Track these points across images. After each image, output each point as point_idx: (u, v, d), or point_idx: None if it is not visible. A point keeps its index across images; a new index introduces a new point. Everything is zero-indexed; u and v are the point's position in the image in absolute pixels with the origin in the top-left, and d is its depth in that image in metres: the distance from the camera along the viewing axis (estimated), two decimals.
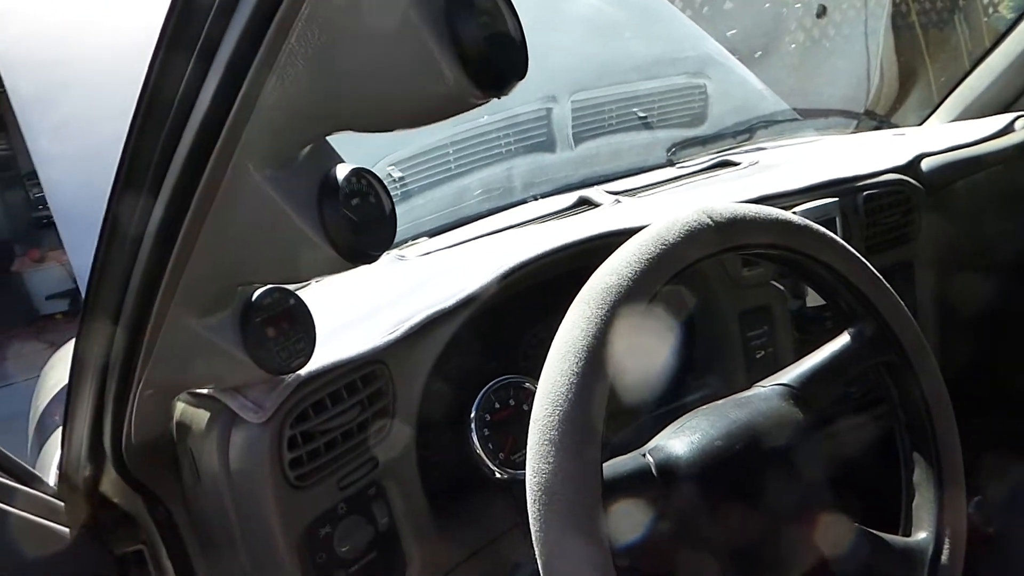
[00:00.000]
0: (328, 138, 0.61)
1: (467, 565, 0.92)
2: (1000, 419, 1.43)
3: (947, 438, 0.85)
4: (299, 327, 0.73)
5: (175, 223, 0.56)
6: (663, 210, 1.16)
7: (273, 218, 0.55)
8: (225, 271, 0.61)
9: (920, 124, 1.85)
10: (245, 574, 0.82)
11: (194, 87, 0.47)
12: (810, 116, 1.96)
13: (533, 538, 0.63)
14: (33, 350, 5.23)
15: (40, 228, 6.41)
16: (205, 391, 0.79)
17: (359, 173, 0.60)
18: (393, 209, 0.62)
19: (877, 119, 1.94)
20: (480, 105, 0.50)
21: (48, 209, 6.40)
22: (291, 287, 0.74)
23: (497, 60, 0.47)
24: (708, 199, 1.04)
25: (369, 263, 0.59)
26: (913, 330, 0.86)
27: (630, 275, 0.69)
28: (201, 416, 0.80)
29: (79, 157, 1.29)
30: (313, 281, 1.03)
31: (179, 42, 0.45)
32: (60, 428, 1.11)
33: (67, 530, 0.86)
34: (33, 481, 0.90)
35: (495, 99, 0.49)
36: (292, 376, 0.76)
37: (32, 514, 0.83)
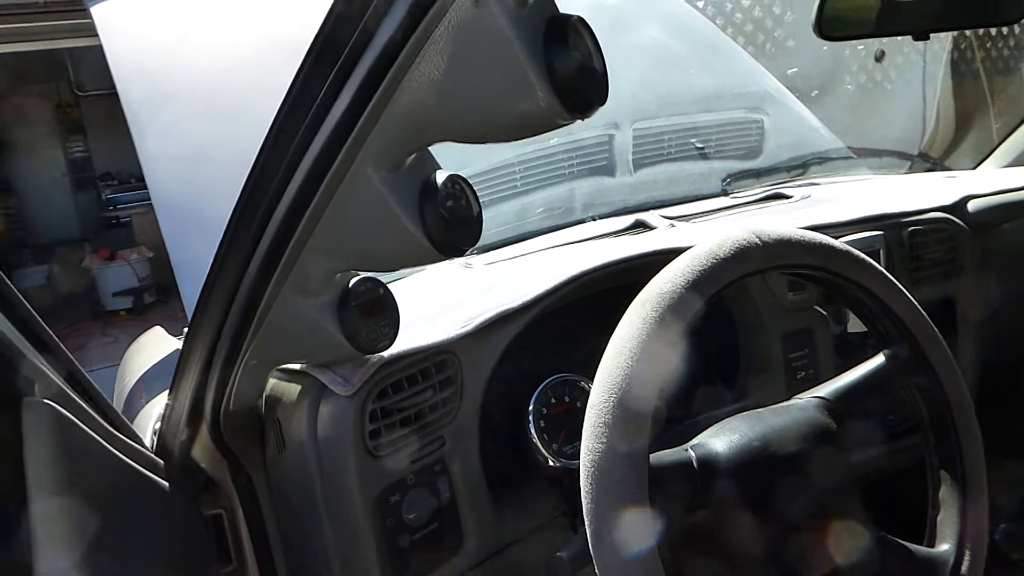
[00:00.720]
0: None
1: (517, 547, 1.00)
2: None
3: (973, 459, 0.91)
4: (386, 314, 0.83)
5: (299, 213, 0.66)
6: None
7: (382, 213, 0.65)
8: (337, 257, 0.71)
9: (974, 168, 1.90)
10: (321, 536, 0.91)
11: (332, 94, 0.57)
12: (864, 155, 2.02)
13: (584, 511, 0.71)
14: (97, 343, 5.47)
15: (110, 228, 6.69)
16: (297, 367, 0.89)
17: (454, 179, 0.69)
18: (480, 211, 0.72)
19: (931, 161, 2.00)
20: (565, 125, 0.59)
21: (118, 209, 6.71)
22: (382, 278, 0.84)
23: (584, 88, 0.56)
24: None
25: (459, 256, 0.69)
26: (945, 355, 0.92)
27: (683, 284, 0.77)
28: (292, 389, 0.90)
29: (182, 158, 1.42)
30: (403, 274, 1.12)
31: (326, 54, 0.55)
32: (146, 406, 1.21)
33: (166, 484, 0.96)
34: (136, 438, 1.01)
35: (579, 120, 0.59)
36: (376, 357, 0.86)
37: (137, 463, 0.93)
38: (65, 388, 0.78)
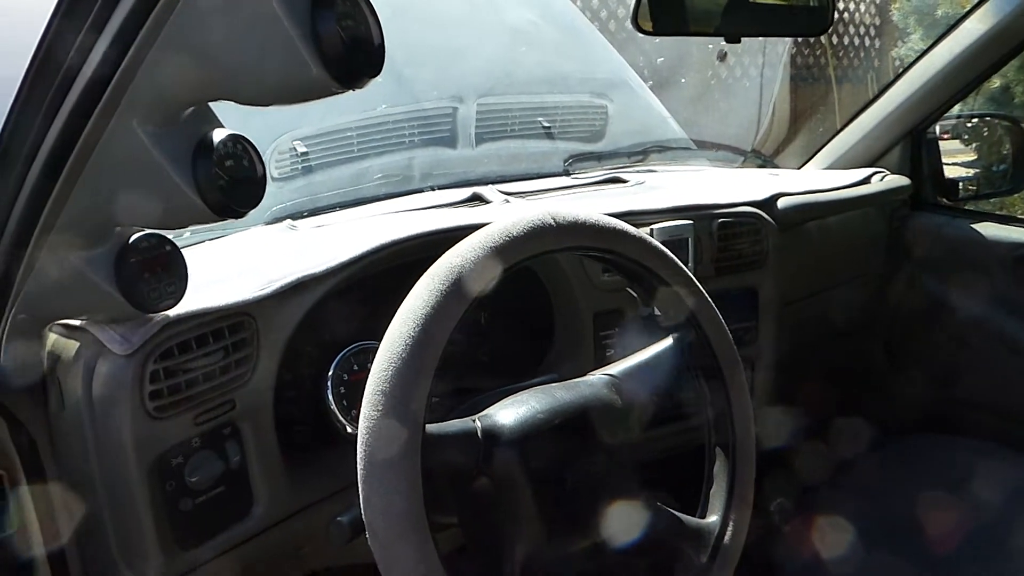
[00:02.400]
0: (224, 108, 0.69)
1: (311, 510, 1.00)
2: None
3: (744, 439, 0.98)
4: (172, 272, 0.81)
5: (60, 161, 0.63)
6: None
7: (150, 168, 0.63)
8: (103, 211, 0.68)
9: (799, 168, 2.03)
10: (98, 499, 0.88)
11: (84, 51, 0.54)
12: (703, 147, 2.12)
13: (358, 477, 0.72)
14: None
15: None
16: (77, 323, 0.85)
17: (236, 139, 0.68)
18: (264, 174, 0.70)
19: (762, 158, 2.12)
20: (339, 93, 0.59)
21: None
22: (170, 236, 0.81)
23: (352, 58, 0.56)
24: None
25: (236, 218, 0.68)
26: (728, 343, 0.99)
27: (473, 258, 0.79)
28: (71, 346, 0.86)
29: None
30: (192, 232, 1.09)
31: (74, 12, 0.53)
32: None
33: None
34: None
35: (351, 90, 0.59)
36: (160, 316, 0.83)
37: None
38: None
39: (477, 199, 1.46)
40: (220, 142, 0.66)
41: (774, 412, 1.47)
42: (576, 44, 2.10)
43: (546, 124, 1.85)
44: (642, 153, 1.89)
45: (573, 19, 2.20)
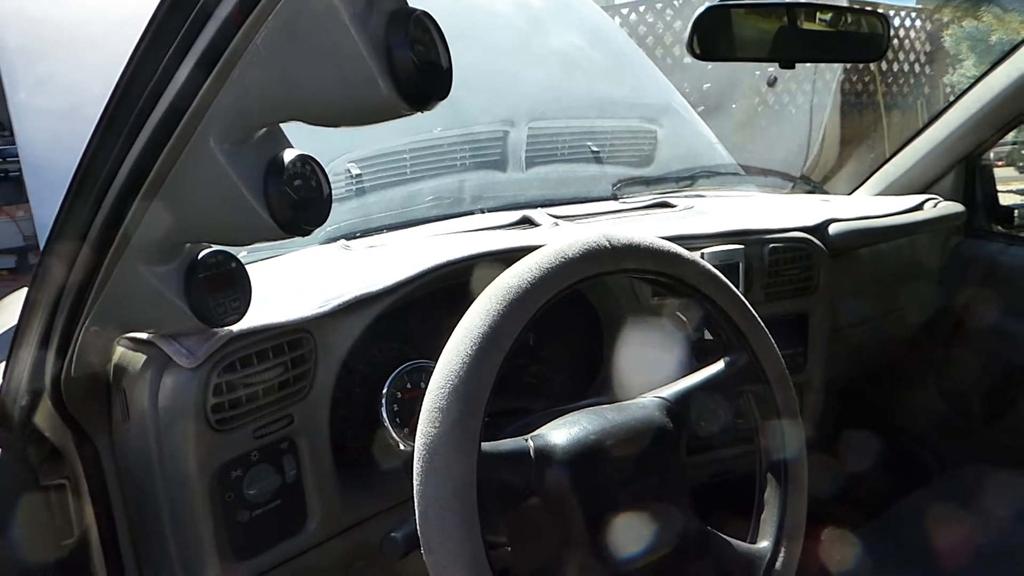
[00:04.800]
0: (287, 128, 0.71)
1: (363, 526, 1.01)
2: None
3: (796, 464, 0.97)
4: (237, 288, 0.83)
5: (140, 178, 0.66)
6: None
7: (224, 186, 0.65)
8: (177, 227, 0.71)
9: (849, 194, 2.01)
10: (159, 508, 0.90)
11: (170, 71, 0.57)
12: (752, 173, 2.12)
13: (414, 492, 0.73)
14: None
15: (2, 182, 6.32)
16: (144, 336, 0.88)
17: (304, 159, 0.70)
18: (330, 194, 0.73)
19: (811, 184, 2.10)
20: (409, 115, 0.61)
21: (8, 163, 6.32)
22: (236, 253, 0.84)
23: (423, 82, 0.58)
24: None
25: (302, 236, 0.70)
26: (780, 366, 0.99)
27: (530, 279, 0.80)
28: (138, 359, 0.88)
29: (56, 113, 1.37)
30: (263, 250, 1.12)
31: (161, 34, 0.56)
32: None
33: None
34: None
35: (420, 112, 0.60)
36: (225, 330, 0.86)
37: None
38: None
39: (527, 222, 1.47)
40: (290, 162, 0.68)
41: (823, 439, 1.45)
42: (625, 69, 2.12)
43: (595, 148, 1.86)
44: (690, 178, 1.89)
45: (622, 45, 2.22)
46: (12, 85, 1.38)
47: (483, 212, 1.55)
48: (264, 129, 0.67)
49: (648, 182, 1.83)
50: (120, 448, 0.94)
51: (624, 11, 4.28)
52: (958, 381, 1.81)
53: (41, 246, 1.24)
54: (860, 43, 1.25)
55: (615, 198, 1.74)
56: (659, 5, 4.11)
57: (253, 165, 0.66)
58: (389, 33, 0.56)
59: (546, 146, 1.75)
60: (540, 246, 1.13)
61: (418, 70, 0.57)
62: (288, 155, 0.69)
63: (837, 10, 1.16)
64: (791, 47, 1.14)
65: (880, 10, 4.25)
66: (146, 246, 0.73)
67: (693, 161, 1.96)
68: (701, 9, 1.06)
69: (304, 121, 0.65)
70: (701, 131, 2.14)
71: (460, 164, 1.62)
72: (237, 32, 0.54)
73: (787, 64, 1.16)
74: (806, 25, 1.15)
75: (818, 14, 1.15)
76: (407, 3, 0.59)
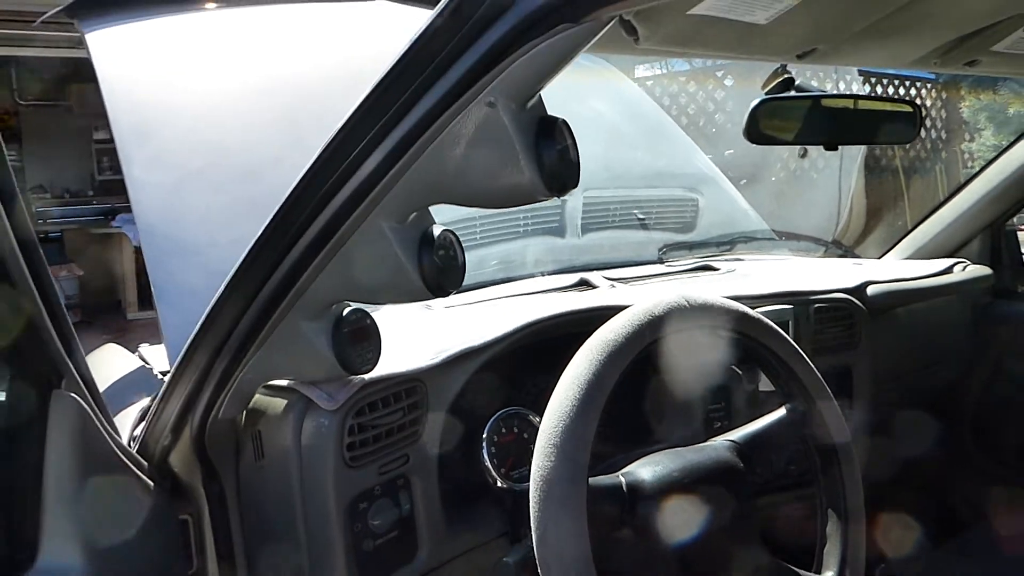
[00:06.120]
0: None
1: (461, 560, 1.12)
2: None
3: (854, 500, 1.08)
4: (372, 341, 0.97)
5: (315, 251, 0.80)
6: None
7: (387, 257, 0.80)
8: (341, 289, 0.85)
9: (879, 258, 2.14)
10: (296, 539, 1.00)
11: (363, 157, 0.71)
12: (786, 238, 2.26)
13: (531, 518, 0.85)
14: None
15: (43, 243, 6.49)
16: (284, 383, 1.01)
17: (447, 233, 0.85)
18: (464, 261, 0.87)
19: (842, 248, 2.24)
20: (543, 200, 0.75)
21: (48, 224, 6.52)
22: (369, 310, 0.98)
23: (563, 174, 0.72)
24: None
25: (445, 296, 0.84)
26: (836, 413, 1.11)
27: (624, 334, 0.93)
28: (276, 403, 1.01)
29: (165, 186, 1.52)
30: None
31: (362, 123, 0.70)
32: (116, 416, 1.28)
33: (151, 483, 1.04)
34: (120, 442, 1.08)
35: (556, 197, 0.75)
36: (358, 378, 0.99)
37: (130, 463, 1.01)
38: (81, 385, 0.88)
39: (585, 284, 1.61)
40: (438, 236, 0.83)
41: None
42: (666, 142, 2.29)
43: (641, 216, 2.01)
44: (729, 243, 2.03)
45: (661, 119, 2.40)
46: (127, 162, 1.53)
47: (543, 275, 1.69)
48: (419, 210, 0.81)
49: (691, 246, 1.97)
50: (250, 486, 1.06)
51: (649, 83, 4.49)
52: (991, 434, 1.91)
53: (158, 307, 1.37)
54: (897, 125, 1.39)
55: (661, 262, 1.87)
56: (683, 78, 4.31)
57: (410, 239, 0.80)
58: (539, 135, 0.71)
59: (599, 214, 1.90)
60: (609, 306, 1.28)
61: (560, 164, 0.71)
62: (436, 229, 0.83)
63: (876, 99, 1.31)
64: (837, 131, 1.28)
65: (896, 82, 4.47)
66: (310, 305, 0.86)
67: (731, 227, 2.11)
68: (756, 101, 1.21)
69: (453, 203, 0.79)
70: (736, 199, 2.29)
71: (523, 231, 1.77)
72: (425, 131, 0.68)
73: (831, 147, 1.31)
74: (849, 110, 1.29)
75: (858, 103, 1.30)
76: (547, 111, 0.74)
